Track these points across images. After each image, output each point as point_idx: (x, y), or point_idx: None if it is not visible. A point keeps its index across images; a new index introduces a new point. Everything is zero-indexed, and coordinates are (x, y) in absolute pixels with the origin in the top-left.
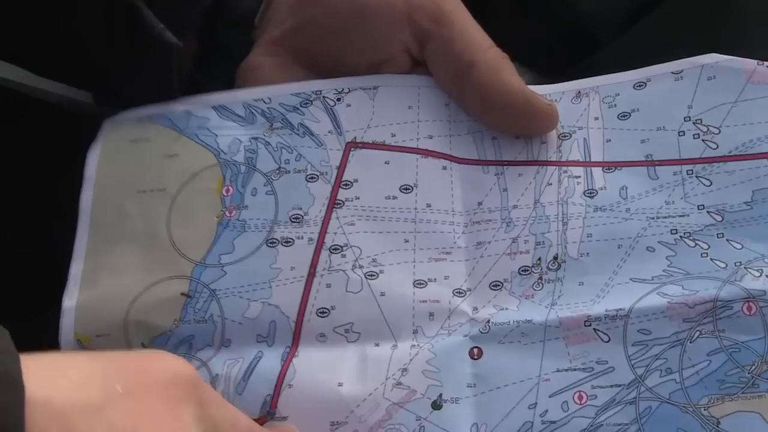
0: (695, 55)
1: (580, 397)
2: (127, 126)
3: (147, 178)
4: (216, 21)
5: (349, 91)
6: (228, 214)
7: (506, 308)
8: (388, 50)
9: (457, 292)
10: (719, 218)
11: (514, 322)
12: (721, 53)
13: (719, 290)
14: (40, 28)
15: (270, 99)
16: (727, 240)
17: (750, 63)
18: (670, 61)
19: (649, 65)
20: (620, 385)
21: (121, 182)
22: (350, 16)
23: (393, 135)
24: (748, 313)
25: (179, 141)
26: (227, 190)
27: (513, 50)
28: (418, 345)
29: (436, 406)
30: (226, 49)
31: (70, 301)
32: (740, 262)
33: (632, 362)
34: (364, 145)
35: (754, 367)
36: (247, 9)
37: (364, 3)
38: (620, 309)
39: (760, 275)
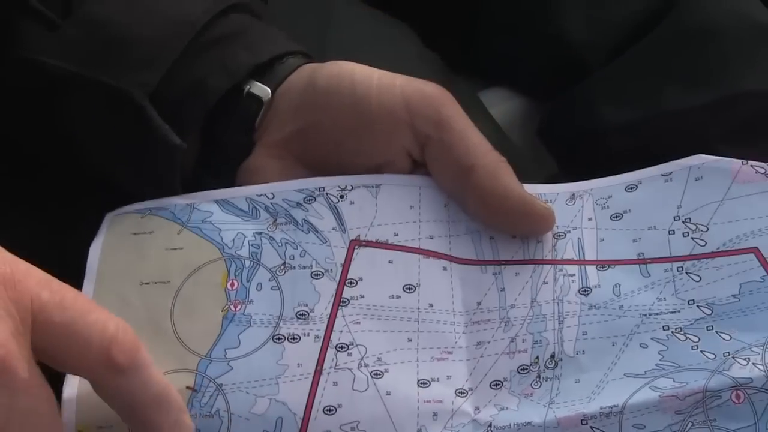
0: (680, 85)
1: None
2: (128, 219)
3: (150, 270)
4: (217, 122)
5: (352, 188)
6: (233, 308)
7: (506, 407)
8: (390, 154)
9: (459, 392)
10: (708, 312)
11: (514, 425)
12: (705, 82)
13: (708, 381)
14: (44, 124)
15: (273, 194)
16: (716, 332)
17: (735, 163)
18: (655, 87)
19: (635, 94)
20: None
21: (124, 274)
22: (353, 122)
23: (396, 234)
24: (737, 401)
25: (182, 234)
26: (232, 284)
27: (504, 74)
28: None
29: None
30: (227, 149)
31: (70, 390)
32: (728, 352)
33: None
34: (368, 244)
35: None
36: (248, 111)
37: (366, 110)
38: (614, 405)
39: (747, 363)
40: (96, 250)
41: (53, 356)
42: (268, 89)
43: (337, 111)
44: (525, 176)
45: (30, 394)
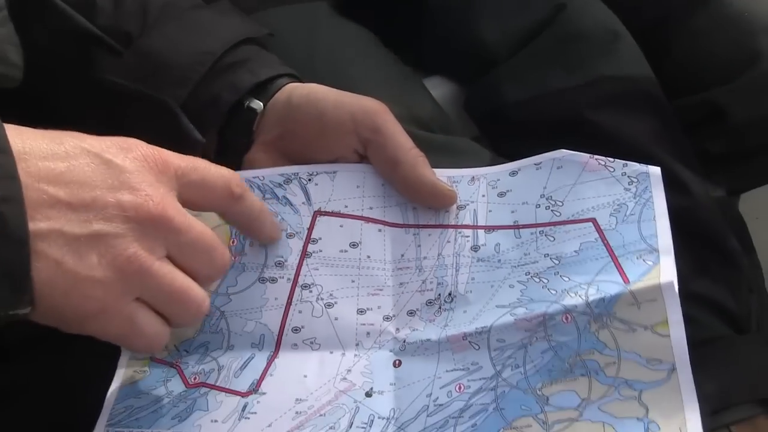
0: (559, 72)
1: (460, 387)
2: None
3: None
4: (228, 126)
5: (317, 174)
6: (233, 258)
7: (416, 329)
8: (342, 152)
9: (385, 318)
10: (557, 262)
11: (419, 341)
12: (577, 69)
13: (548, 308)
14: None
15: (263, 177)
16: (560, 276)
17: (585, 156)
18: (543, 74)
19: (528, 79)
20: (485, 378)
21: None
22: (316, 129)
23: (346, 206)
24: (566, 321)
25: None
26: (233, 242)
27: (441, 67)
28: (359, 354)
29: (368, 395)
30: (235, 146)
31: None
32: (566, 289)
33: (493, 362)
34: (326, 213)
35: (570, 359)
36: (248, 119)
37: (324, 122)
38: (485, 326)
39: (575, 296)
40: None
41: (196, 203)
42: (262, 104)
43: (304, 121)
44: (457, 135)
45: (187, 231)
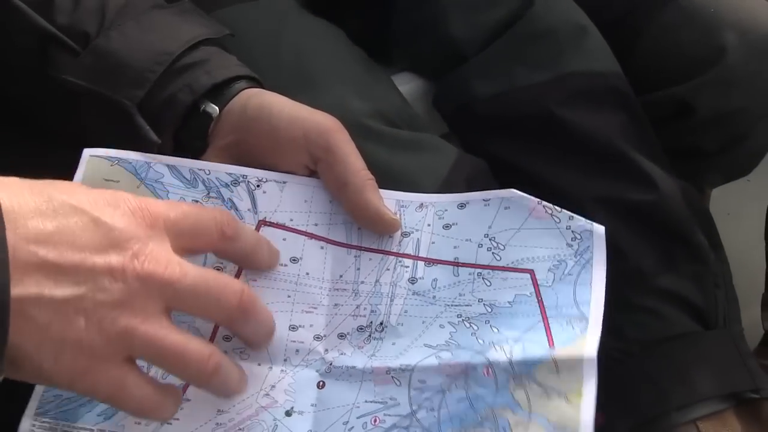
0: (527, 68)
1: (375, 420)
2: (101, 164)
3: None
4: (184, 129)
5: (266, 181)
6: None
7: (344, 353)
8: (293, 167)
9: (316, 337)
10: (489, 309)
11: (345, 366)
12: (544, 65)
13: (471, 358)
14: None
15: (209, 171)
16: (491, 325)
17: (533, 201)
18: (510, 70)
19: (496, 75)
20: (401, 415)
21: None
22: (268, 142)
23: (291, 220)
24: (487, 374)
25: (140, 189)
26: None
27: (409, 62)
28: (285, 370)
29: (288, 414)
30: (189, 149)
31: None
32: (492, 341)
33: (411, 401)
34: (271, 224)
35: (483, 412)
36: (203, 124)
37: (277, 137)
38: (408, 365)
39: (500, 350)
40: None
41: (190, 248)
42: (217, 109)
43: (258, 133)
44: (425, 131)
45: (181, 279)
